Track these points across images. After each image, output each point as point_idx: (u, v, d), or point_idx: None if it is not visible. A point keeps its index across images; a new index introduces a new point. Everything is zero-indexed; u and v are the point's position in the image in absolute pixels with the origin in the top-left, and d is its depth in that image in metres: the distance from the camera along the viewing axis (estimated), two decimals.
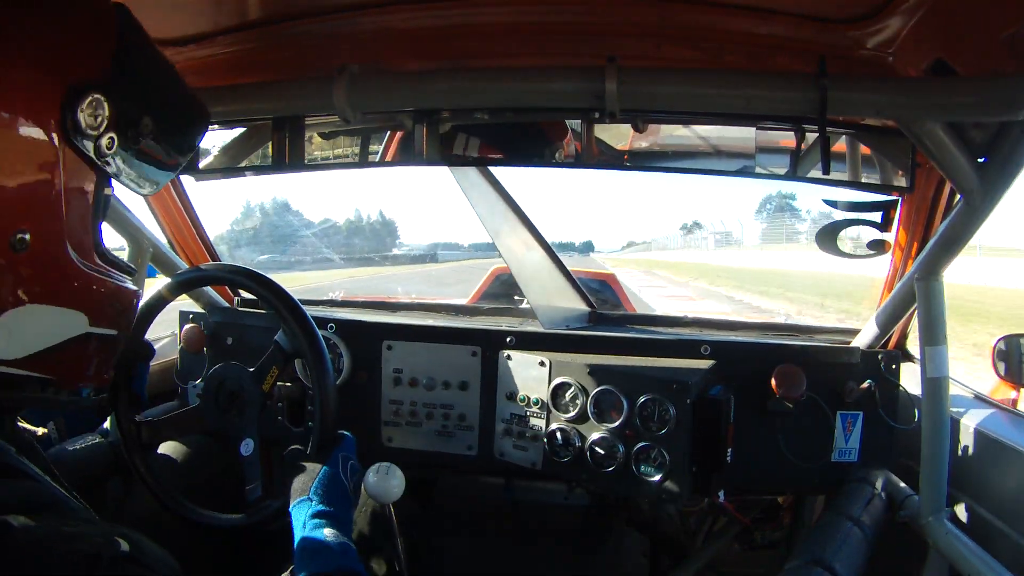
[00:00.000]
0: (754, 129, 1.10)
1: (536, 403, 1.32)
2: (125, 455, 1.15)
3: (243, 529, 1.09)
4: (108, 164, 0.58)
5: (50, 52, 0.52)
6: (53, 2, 0.54)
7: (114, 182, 0.62)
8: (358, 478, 1.00)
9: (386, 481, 1.03)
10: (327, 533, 0.85)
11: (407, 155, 1.19)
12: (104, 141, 0.56)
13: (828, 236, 1.19)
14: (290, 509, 0.91)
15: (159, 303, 1.15)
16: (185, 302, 1.56)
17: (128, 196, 1.45)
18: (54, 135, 0.53)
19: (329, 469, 0.95)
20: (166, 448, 1.42)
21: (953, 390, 1.17)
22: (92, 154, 0.56)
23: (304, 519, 0.88)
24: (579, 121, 1.11)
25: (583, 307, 1.65)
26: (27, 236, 0.52)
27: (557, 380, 1.26)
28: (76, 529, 0.50)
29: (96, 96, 0.54)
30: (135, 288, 0.65)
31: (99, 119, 0.55)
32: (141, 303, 1.06)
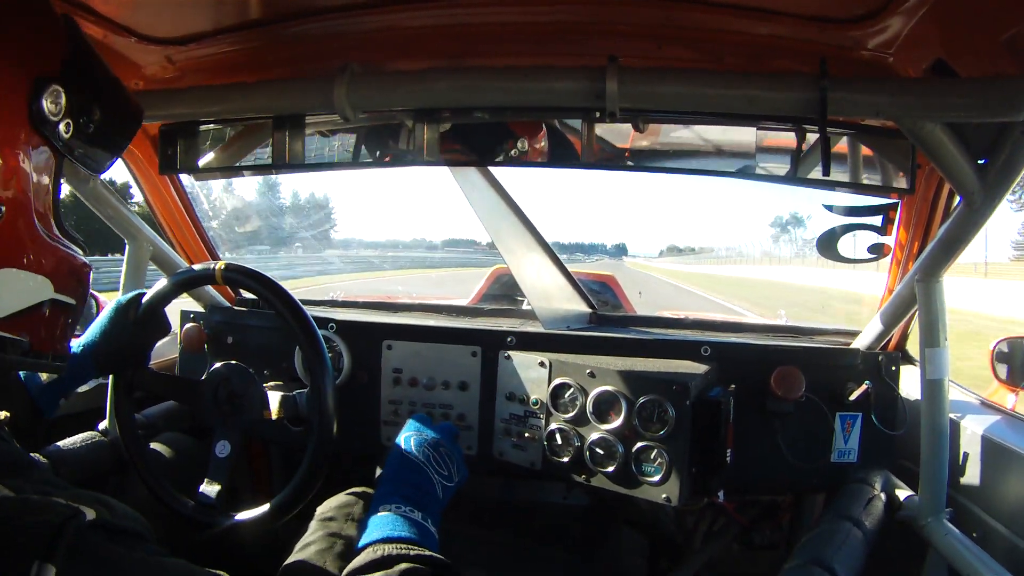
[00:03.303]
0: (754, 130, 1.10)
1: (536, 403, 1.32)
2: (114, 411, 1.19)
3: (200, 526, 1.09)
4: (65, 147, 0.67)
5: (16, 50, 0.61)
6: (16, 10, 0.62)
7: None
8: (428, 447, 0.96)
9: None
10: (382, 510, 0.84)
11: (407, 155, 1.19)
12: (62, 126, 0.65)
13: (828, 242, 1.19)
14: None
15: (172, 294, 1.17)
16: (186, 301, 1.56)
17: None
18: (23, 121, 0.61)
19: (391, 455, 0.95)
20: (163, 445, 1.42)
21: (952, 393, 1.17)
22: (52, 138, 0.64)
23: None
24: (579, 121, 1.11)
25: (584, 308, 1.65)
26: (3, 208, 0.60)
27: (557, 381, 1.26)
28: (43, 499, 0.52)
29: (56, 87, 0.63)
30: (87, 261, 0.73)
31: (58, 107, 0.64)
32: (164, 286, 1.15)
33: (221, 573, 0.61)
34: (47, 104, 0.62)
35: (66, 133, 0.66)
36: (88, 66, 0.69)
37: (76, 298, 0.71)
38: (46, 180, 0.66)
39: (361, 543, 0.81)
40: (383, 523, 0.83)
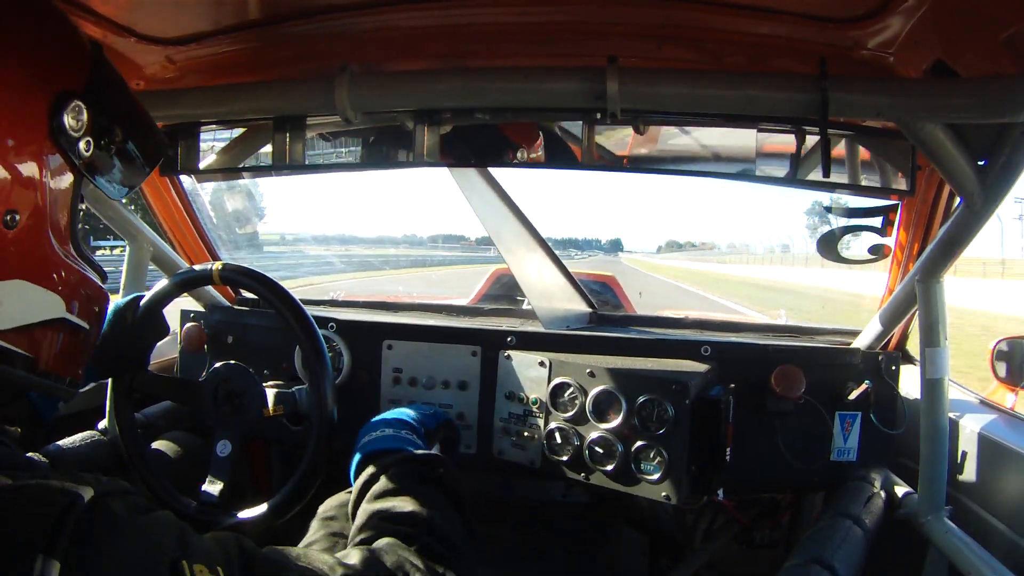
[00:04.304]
0: (755, 132, 1.10)
1: (535, 403, 1.33)
2: (114, 410, 1.19)
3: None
4: (85, 165, 0.66)
5: (41, 65, 0.62)
6: (43, 27, 0.64)
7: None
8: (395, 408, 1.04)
9: None
10: (365, 440, 0.92)
11: (407, 156, 1.19)
12: (82, 144, 0.65)
13: (829, 243, 1.19)
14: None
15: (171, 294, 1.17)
16: (186, 301, 1.56)
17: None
18: (43, 132, 0.61)
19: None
20: (165, 442, 1.42)
21: (951, 392, 1.17)
22: (72, 154, 0.64)
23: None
24: (580, 122, 1.11)
25: (584, 308, 1.66)
26: (18, 216, 0.59)
27: (556, 380, 1.26)
28: (40, 484, 0.51)
29: (78, 103, 0.63)
30: (105, 288, 0.73)
31: (80, 123, 0.64)
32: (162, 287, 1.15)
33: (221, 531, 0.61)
34: (68, 119, 0.62)
35: (86, 151, 0.65)
36: (112, 89, 0.70)
37: (90, 323, 0.70)
38: (64, 197, 0.66)
39: (352, 469, 0.88)
40: (361, 448, 0.90)
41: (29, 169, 0.61)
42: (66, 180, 0.65)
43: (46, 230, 0.63)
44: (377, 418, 1.00)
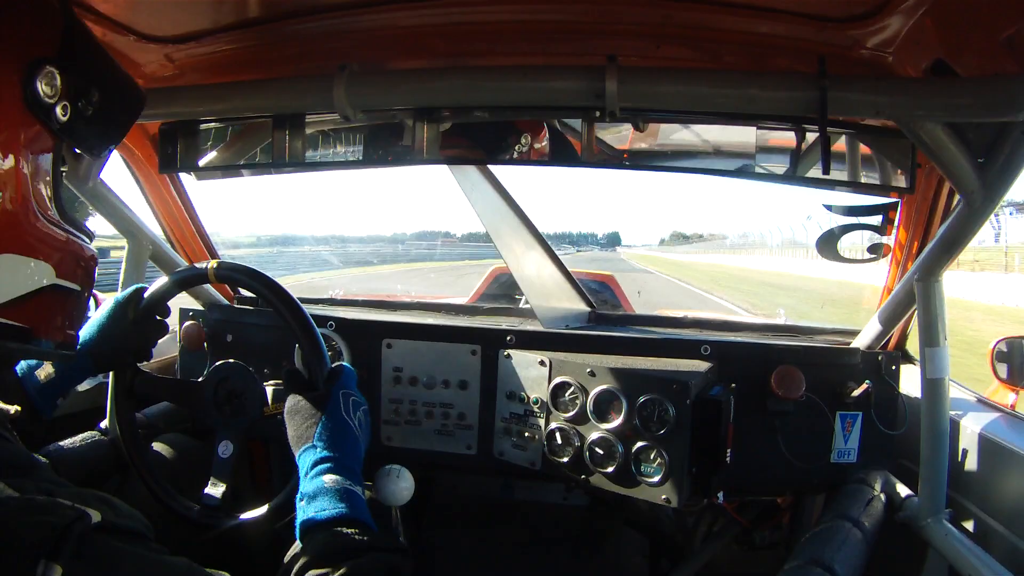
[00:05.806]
0: (754, 129, 1.10)
1: (536, 403, 1.32)
2: (115, 410, 1.18)
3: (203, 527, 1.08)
4: (63, 130, 0.66)
5: (9, 36, 0.61)
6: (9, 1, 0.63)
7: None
8: (362, 414, 0.97)
9: (396, 484, 1.01)
10: (329, 480, 0.84)
11: (407, 153, 1.19)
12: (59, 110, 0.65)
13: (828, 242, 1.19)
14: (296, 458, 0.90)
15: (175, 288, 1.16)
16: (186, 300, 1.56)
17: (128, 194, 1.46)
18: (17, 103, 0.61)
19: (331, 410, 0.93)
20: (164, 446, 1.42)
21: (952, 392, 1.17)
22: (48, 121, 0.64)
23: (307, 467, 0.86)
24: (579, 120, 1.11)
25: (583, 307, 1.65)
26: (1, 193, 0.59)
27: (557, 380, 1.26)
28: (48, 499, 0.52)
29: (51, 69, 0.63)
30: (93, 249, 0.73)
31: (54, 89, 0.64)
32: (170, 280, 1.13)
33: (223, 573, 0.60)
34: (42, 86, 0.62)
35: (63, 116, 0.65)
36: (84, 49, 0.69)
37: (80, 284, 0.71)
38: (45, 164, 0.66)
39: (313, 515, 0.79)
40: (330, 498, 0.81)
41: (7, 144, 0.60)
42: (46, 147, 0.66)
43: (30, 202, 0.63)
44: (346, 440, 0.92)
